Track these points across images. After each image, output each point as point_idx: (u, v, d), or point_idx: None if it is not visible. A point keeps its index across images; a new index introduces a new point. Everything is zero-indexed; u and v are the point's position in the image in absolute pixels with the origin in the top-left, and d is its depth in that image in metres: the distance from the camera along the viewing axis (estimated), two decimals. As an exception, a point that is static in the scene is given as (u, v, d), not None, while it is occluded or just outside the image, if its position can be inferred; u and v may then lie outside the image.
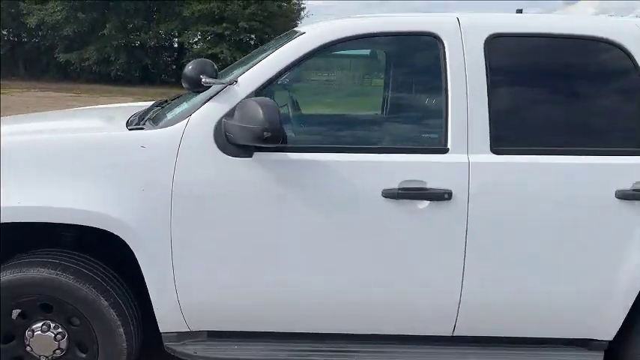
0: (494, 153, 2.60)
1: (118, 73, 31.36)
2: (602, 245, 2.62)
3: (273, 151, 2.54)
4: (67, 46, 32.12)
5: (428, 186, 2.56)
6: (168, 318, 2.66)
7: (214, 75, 2.62)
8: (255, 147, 2.49)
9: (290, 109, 2.92)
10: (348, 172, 2.57)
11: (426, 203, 2.57)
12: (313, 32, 2.68)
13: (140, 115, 2.92)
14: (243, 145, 2.47)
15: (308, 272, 2.60)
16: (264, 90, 2.60)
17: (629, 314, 2.72)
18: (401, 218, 2.57)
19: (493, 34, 2.66)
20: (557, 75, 2.73)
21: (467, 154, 2.59)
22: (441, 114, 2.62)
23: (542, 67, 2.74)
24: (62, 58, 31.74)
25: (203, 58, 2.72)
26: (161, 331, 2.70)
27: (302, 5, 37.94)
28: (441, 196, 2.55)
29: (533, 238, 2.60)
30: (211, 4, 30.31)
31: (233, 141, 2.45)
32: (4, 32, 34.29)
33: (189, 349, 2.70)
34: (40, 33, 33.14)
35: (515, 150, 2.63)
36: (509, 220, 2.59)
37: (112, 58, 31.27)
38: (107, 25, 31.09)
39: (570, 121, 2.72)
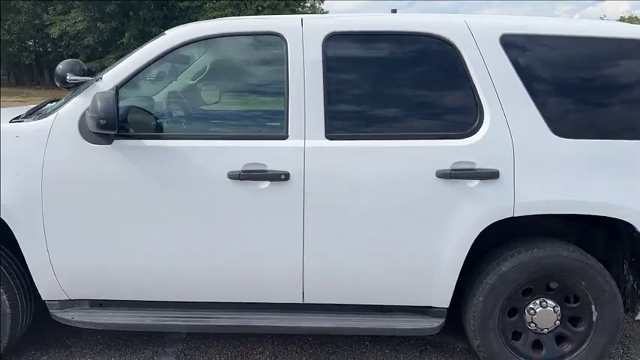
0: (328, 139, 2.91)
1: (138, 80, 32.24)
2: (426, 220, 2.90)
3: (130, 139, 2.91)
4: (89, 55, 33.28)
5: (268, 168, 2.89)
6: (47, 288, 3.04)
7: (82, 73, 2.99)
8: (116, 135, 2.86)
9: (155, 102, 3.27)
10: (198, 156, 2.91)
11: (266, 184, 2.90)
12: (171, 34, 3.04)
13: (30, 111, 3.32)
14: (103, 134, 2.83)
15: (163, 247, 2.94)
16: (127, 85, 2.96)
17: (459, 282, 2.99)
18: (245, 197, 2.90)
19: (331, 33, 2.97)
20: (387, 69, 3.03)
21: (304, 140, 2.91)
22: (284, 105, 2.94)
23: (375, 62, 3.04)
24: (85, 66, 32.78)
25: (73, 59, 3.09)
26: (43, 299, 3.09)
27: (321, 8, 38.61)
28: (278, 177, 2.88)
29: (365, 214, 2.90)
30: (226, 11, 31.05)
31: (88, 130, 2.82)
32: (30, 42, 35.65)
33: (69, 315, 3.07)
34: (62, 43, 34.34)
35: (347, 136, 2.93)
36: (342, 197, 2.90)
37: (131, 66, 32.15)
38: (126, 34, 32.09)
39: (397, 110, 3.01)
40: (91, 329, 3.20)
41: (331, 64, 2.95)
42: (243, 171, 2.88)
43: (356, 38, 3.04)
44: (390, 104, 3.02)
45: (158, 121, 3.05)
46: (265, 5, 31.17)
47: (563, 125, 2.92)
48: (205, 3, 32.64)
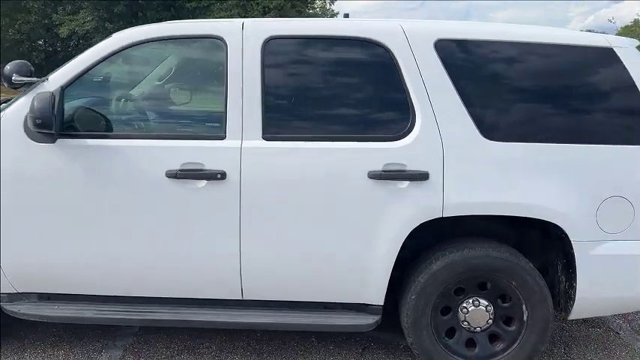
0: (265, 139, 3.01)
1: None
2: (358, 220, 2.99)
3: (74, 138, 3.03)
4: (97, 55, 33.48)
5: (206, 168, 2.99)
6: (-5, 280, 3.16)
7: (29, 74, 3.11)
8: (60, 134, 2.98)
9: (103, 101, 3.39)
10: (137, 155, 3.02)
11: (203, 182, 3.00)
12: (118, 36, 3.15)
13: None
14: (46, 133, 2.94)
15: (102, 244, 3.05)
16: (72, 85, 3.07)
17: (392, 281, 3.07)
18: (182, 195, 3.01)
19: (270, 37, 3.07)
20: (324, 72, 3.12)
21: (241, 141, 3.00)
22: (223, 106, 3.04)
23: (311, 66, 3.13)
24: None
25: (21, 60, 3.21)
26: (-8, 291, 3.21)
27: (332, 9, 38.84)
28: (215, 176, 2.97)
29: (299, 213, 2.99)
30: (233, 12, 31.28)
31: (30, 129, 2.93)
32: (40, 42, 36.11)
33: (17, 307, 3.19)
34: (71, 43, 34.74)
35: (283, 137, 3.03)
36: (278, 197, 2.99)
37: (139, 66, 32.51)
38: (133, 34, 32.31)
39: (332, 113, 3.11)
40: (46, 322, 3.31)
41: (269, 68, 3.05)
42: (180, 170, 2.98)
43: (294, 42, 3.13)
44: (325, 106, 3.12)
45: (103, 120, 3.16)
46: (272, 6, 31.36)
47: (493, 129, 3.00)
48: (213, 4, 32.86)
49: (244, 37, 3.06)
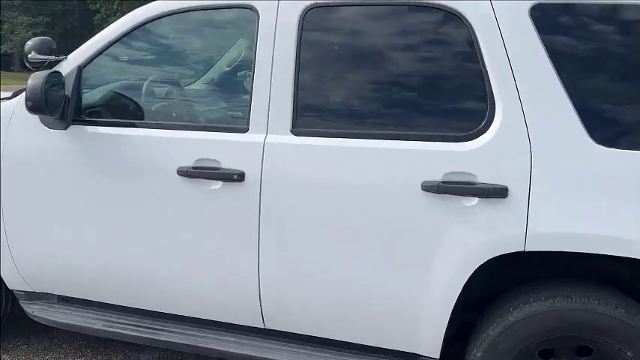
0: (294, 134, 2.38)
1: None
2: (407, 246, 2.25)
3: (88, 124, 2.65)
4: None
5: (222, 166, 2.44)
6: (9, 277, 2.90)
7: (49, 52, 2.77)
8: (75, 120, 2.62)
9: (125, 85, 2.94)
10: (149, 147, 2.56)
11: (219, 184, 2.45)
12: (134, 13, 2.68)
13: (16, 92, 3.19)
14: (59, 118, 2.59)
15: (105, 244, 2.64)
16: (90, 65, 2.68)
17: (452, 329, 2.30)
18: (194, 198, 2.49)
19: (311, 5, 2.41)
20: (374, 50, 2.38)
21: (265, 135, 2.41)
22: (249, 92, 2.46)
23: (360, 42, 2.42)
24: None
25: (44, 37, 2.87)
26: (10, 288, 2.95)
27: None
28: (230, 176, 2.41)
29: (332, 230, 2.34)
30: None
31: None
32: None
33: (31, 308, 2.90)
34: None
35: (317, 132, 2.38)
36: (306, 207, 2.36)
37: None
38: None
39: (381, 103, 2.39)
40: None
41: (307, 44, 2.40)
42: (193, 167, 2.46)
43: (343, 11, 2.43)
44: (373, 94, 2.41)
45: (121, 106, 2.74)
46: None
47: (609, 130, 2.09)
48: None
49: (280, 7, 2.44)
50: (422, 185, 2.19)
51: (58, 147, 2.65)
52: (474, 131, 2.18)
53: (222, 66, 3.03)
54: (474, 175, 2.15)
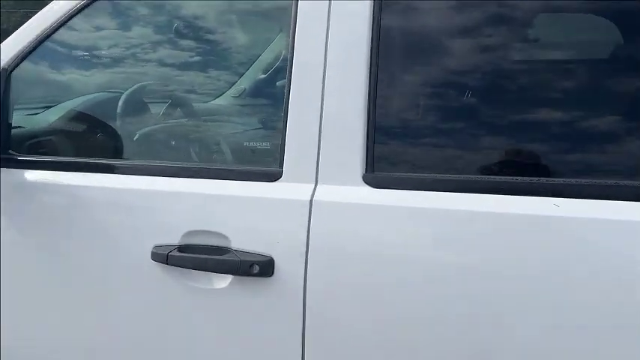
0: (369, 185, 1.27)
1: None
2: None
3: (18, 167, 1.53)
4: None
5: (232, 245, 1.31)
6: None
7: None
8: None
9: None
10: (106, 208, 1.43)
11: (227, 279, 1.32)
12: None
13: None
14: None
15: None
16: (25, 64, 1.57)
17: None
18: (181, 304, 1.35)
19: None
20: (494, 54, 1.30)
21: (314, 185, 1.29)
22: (283, 111, 1.36)
23: (470, 43, 1.32)
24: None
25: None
26: None
27: None
28: (247, 267, 1.28)
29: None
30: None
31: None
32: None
33: None
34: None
35: (412, 180, 1.26)
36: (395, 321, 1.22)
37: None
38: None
39: (512, 137, 1.27)
40: None
41: (388, 41, 1.31)
42: (178, 247, 1.33)
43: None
44: (497, 122, 1.29)
45: (75, 136, 1.64)
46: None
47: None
48: None
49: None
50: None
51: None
52: None
53: (255, 72, 1.87)
54: None
